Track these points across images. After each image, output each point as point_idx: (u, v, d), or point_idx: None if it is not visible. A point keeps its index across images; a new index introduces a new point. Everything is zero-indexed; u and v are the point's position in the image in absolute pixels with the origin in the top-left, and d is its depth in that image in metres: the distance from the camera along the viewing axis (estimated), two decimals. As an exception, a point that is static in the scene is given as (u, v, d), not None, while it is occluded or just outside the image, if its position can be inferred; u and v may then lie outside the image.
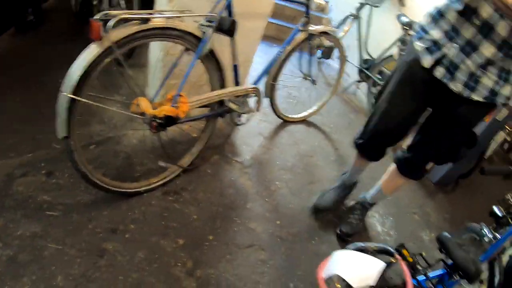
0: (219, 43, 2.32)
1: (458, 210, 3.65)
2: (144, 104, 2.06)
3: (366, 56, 4.65)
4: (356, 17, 4.66)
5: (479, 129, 3.47)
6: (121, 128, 2.77)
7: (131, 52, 3.35)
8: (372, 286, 1.33)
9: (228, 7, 2.31)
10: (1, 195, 2.13)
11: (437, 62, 1.95)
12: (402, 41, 4.03)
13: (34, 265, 1.88)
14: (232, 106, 2.58)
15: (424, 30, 2.03)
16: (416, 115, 2.30)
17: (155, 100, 2.19)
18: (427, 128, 2.31)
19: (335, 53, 4.03)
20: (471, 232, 2.25)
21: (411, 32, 3.76)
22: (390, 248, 1.52)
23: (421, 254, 1.71)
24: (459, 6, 1.83)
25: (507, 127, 4.17)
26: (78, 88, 1.81)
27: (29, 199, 2.15)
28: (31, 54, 3.18)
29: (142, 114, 2.10)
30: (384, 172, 2.68)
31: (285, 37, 3.10)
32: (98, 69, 1.86)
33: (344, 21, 4.78)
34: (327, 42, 3.54)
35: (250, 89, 2.68)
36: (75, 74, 1.79)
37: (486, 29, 1.76)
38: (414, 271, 1.60)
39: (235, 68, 2.61)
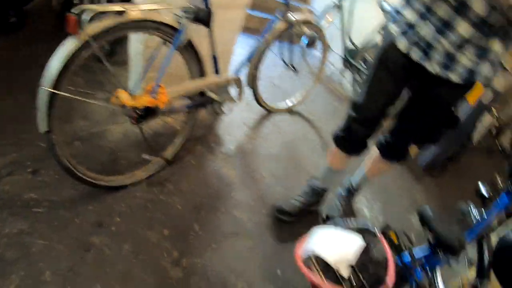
0: (197, 34, 2.32)
1: (446, 193, 3.68)
2: (123, 96, 2.07)
3: (349, 45, 4.66)
4: (338, 6, 4.67)
5: (464, 112, 3.49)
6: (104, 123, 2.77)
7: (113, 49, 3.36)
8: (352, 265, 1.32)
9: (204, -2, 2.31)
10: (-13, 195, 2.13)
11: (413, 44, 1.92)
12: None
13: (22, 261, 1.88)
14: (213, 96, 2.59)
15: (398, 12, 2.00)
16: (393, 100, 2.26)
17: (135, 93, 2.20)
18: (407, 111, 2.28)
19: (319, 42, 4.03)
20: (458, 212, 2.24)
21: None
22: (371, 227, 1.50)
23: (405, 234, 1.70)
24: None
25: (494, 113, 4.18)
26: (58, 82, 1.82)
27: (15, 197, 2.15)
28: (14, 55, 3.15)
29: (123, 106, 2.11)
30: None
31: (269, 30, 3.11)
32: (77, 63, 1.86)
33: (326, 10, 4.78)
34: (308, 31, 3.54)
35: (231, 79, 2.69)
36: (53, 68, 1.80)
37: (461, 7, 1.72)
38: (399, 252, 1.58)
39: (215, 58, 2.62)
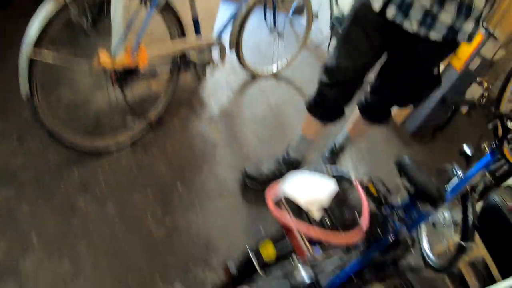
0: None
1: (434, 158, 3.68)
2: (103, 57, 2.06)
3: (336, 12, 4.62)
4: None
5: (451, 79, 3.48)
6: (88, 90, 2.75)
7: (98, 17, 3.33)
8: (325, 209, 1.31)
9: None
10: (-27, 164, 2.14)
11: (389, 1, 1.80)
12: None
13: (8, 228, 1.92)
14: (195, 58, 2.58)
15: None
16: (370, 63, 2.13)
17: (116, 55, 2.19)
18: (387, 71, 2.21)
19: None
20: (444, 172, 2.23)
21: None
22: (347, 174, 1.47)
23: (382, 182, 1.67)
24: None
25: (484, 83, 4.15)
26: (37, 46, 1.82)
27: (1, 165, 2.17)
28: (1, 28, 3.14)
29: (104, 70, 2.12)
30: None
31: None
32: (55, 27, 1.86)
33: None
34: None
35: (213, 42, 2.68)
36: (33, 32, 1.81)
37: None
38: (379, 204, 1.56)
39: (195, 20, 2.60)
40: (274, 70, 3.81)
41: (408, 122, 3.90)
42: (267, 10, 3.35)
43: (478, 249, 2.41)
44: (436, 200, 1.52)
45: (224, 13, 3.06)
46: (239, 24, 3.04)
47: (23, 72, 1.85)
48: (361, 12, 1.97)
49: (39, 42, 1.82)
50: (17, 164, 2.20)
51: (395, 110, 3.85)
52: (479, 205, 2.46)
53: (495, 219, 2.38)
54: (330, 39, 4.60)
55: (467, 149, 2.23)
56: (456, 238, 2.26)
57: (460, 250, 2.19)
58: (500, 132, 2.00)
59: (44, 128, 2.07)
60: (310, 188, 1.31)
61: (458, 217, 2.31)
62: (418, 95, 2.29)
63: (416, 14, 1.77)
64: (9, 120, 2.38)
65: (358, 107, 2.50)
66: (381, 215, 1.50)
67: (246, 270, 1.38)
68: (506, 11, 4.11)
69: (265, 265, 1.35)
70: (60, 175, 2.23)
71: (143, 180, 2.37)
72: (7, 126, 2.35)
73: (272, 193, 1.29)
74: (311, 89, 2.28)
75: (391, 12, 1.82)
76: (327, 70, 2.19)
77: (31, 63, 1.84)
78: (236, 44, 3.16)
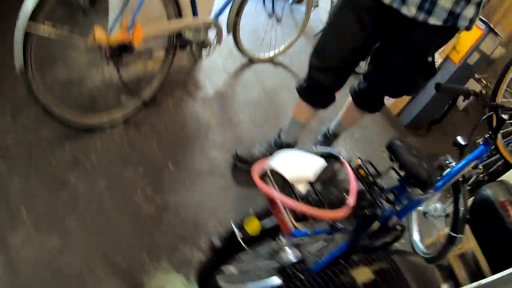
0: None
1: (429, 151, 3.67)
2: (99, 33, 2.05)
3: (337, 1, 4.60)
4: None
5: (449, 72, 3.47)
6: (84, 68, 2.73)
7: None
8: (312, 185, 1.31)
9: None
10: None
11: None
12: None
13: None
14: (190, 37, 2.56)
15: None
16: (360, 48, 2.04)
17: (112, 32, 2.18)
18: (380, 58, 2.12)
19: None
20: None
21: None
22: (336, 152, 1.46)
23: (372, 165, 1.63)
24: None
25: (483, 81, 4.14)
26: (33, 20, 1.81)
27: (-5, 140, 2.17)
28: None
29: (99, 46, 2.11)
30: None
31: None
32: (52, 2, 1.85)
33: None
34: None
35: (209, 22, 2.66)
36: (29, 5, 1.79)
37: None
38: (368, 186, 1.55)
39: (193, 0, 2.59)
40: (271, 55, 3.79)
41: (404, 114, 3.90)
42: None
43: (469, 242, 2.40)
44: (425, 184, 1.51)
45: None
46: (237, 7, 3.02)
47: (18, 45, 1.84)
48: None
49: (35, 15, 1.81)
50: (10, 139, 2.19)
51: (391, 101, 3.88)
52: (471, 199, 2.46)
53: (486, 213, 2.38)
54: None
55: (460, 140, 2.21)
56: (446, 230, 2.26)
57: (450, 241, 2.19)
58: (494, 123, 2.00)
59: (37, 102, 2.06)
60: (297, 164, 1.30)
61: (450, 209, 2.30)
62: (411, 84, 2.20)
63: None
64: (4, 97, 2.36)
65: (350, 93, 2.45)
66: (369, 196, 1.49)
67: (230, 246, 1.37)
68: (507, 11, 4.11)
69: (249, 241, 1.34)
70: (52, 150, 2.23)
71: (134, 158, 2.36)
72: (2, 103, 2.33)
73: (259, 167, 1.27)
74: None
75: None
76: (317, 53, 2.13)
77: (27, 36, 1.83)
78: (234, 27, 3.14)
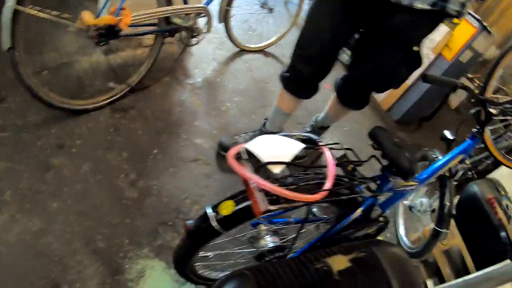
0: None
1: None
2: (87, 16, 2.05)
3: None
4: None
5: (441, 69, 3.46)
6: (73, 54, 2.71)
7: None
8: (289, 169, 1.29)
9: None
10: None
11: None
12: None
13: (-17, 183, 1.92)
14: (179, 23, 2.54)
15: None
16: (342, 38, 1.99)
17: (100, 16, 2.16)
18: (362, 47, 2.06)
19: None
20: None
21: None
22: (315, 137, 1.44)
23: (353, 152, 1.62)
24: None
25: (476, 80, 4.12)
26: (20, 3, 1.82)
27: (-20, 123, 2.16)
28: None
29: (87, 29, 2.10)
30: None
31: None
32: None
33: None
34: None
35: (198, 8, 2.64)
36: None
37: None
38: (349, 174, 1.53)
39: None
40: (262, 46, 3.77)
41: (394, 109, 3.88)
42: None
43: (454, 238, 2.40)
44: (406, 173, 1.49)
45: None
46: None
47: (6, 24, 1.83)
48: None
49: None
50: (-4, 122, 2.18)
51: (382, 96, 3.87)
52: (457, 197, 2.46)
53: (472, 209, 2.38)
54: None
55: (448, 135, 2.19)
56: (432, 225, 2.25)
57: (435, 235, 2.17)
58: (483, 117, 1.98)
59: (22, 82, 2.05)
60: (274, 146, 1.28)
61: (436, 204, 2.29)
62: (394, 74, 2.08)
63: None
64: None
65: (334, 87, 2.38)
66: (349, 182, 1.47)
67: (204, 228, 1.36)
68: (503, 11, 4.10)
69: (224, 223, 1.33)
70: (37, 133, 2.22)
71: (119, 141, 2.36)
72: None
73: (236, 150, 1.26)
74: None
75: None
76: (299, 42, 2.07)
77: (15, 14, 1.82)
78: (225, 16, 3.12)
